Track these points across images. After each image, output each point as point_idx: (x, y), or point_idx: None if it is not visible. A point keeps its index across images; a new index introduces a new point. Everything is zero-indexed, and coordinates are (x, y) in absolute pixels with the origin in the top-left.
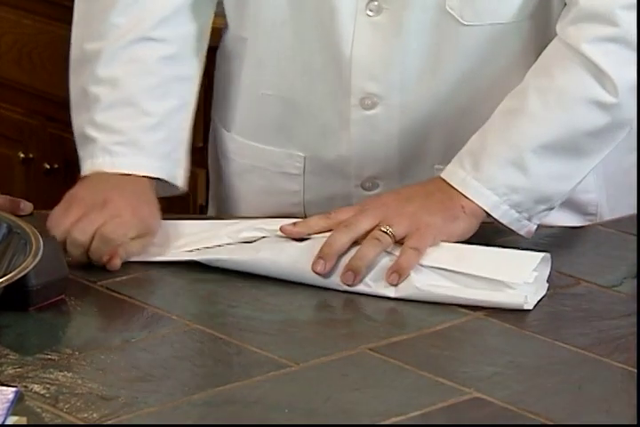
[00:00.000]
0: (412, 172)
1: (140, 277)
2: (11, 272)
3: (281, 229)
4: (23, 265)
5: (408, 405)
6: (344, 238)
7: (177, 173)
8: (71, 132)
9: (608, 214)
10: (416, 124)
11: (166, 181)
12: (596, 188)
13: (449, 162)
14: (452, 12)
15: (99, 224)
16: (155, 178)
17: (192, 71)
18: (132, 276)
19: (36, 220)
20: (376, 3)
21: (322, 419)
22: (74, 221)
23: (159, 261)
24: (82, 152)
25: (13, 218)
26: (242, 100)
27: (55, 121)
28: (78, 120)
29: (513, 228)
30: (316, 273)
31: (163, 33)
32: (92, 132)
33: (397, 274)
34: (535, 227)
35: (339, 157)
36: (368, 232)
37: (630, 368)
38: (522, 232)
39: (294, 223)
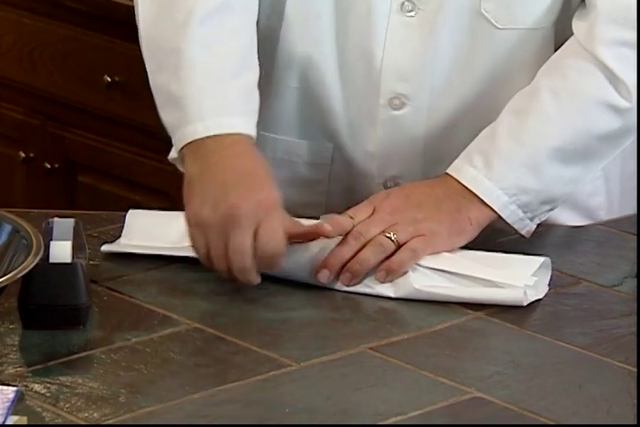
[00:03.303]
0: (434, 174)
1: (140, 276)
2: (11, 272)
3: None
4: (23, 265)
5: (408, 404)
6: (351, 251)
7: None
8: (71, 132)
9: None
10: (442, 126)
11: None
12: (605, 191)
13: None
14: (486, 15)
15: (250, 241)
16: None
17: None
18: (132, 275)
19: (37, 220)
20: (410, 3)
21: (322, 418)
22: (218, 253)
23: (161, 254)
24: (169, 117)
25: (14, 218)
26: (267, 94)
27: (56, 120)
28: (163, 79)
29: (516, 226)
30: (319, 280)
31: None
32: (181, 93)
33: (385, 272)
34: (534, 227)
35: (364, 154)
36: None
37: (630, 368)
38: (522, 231)
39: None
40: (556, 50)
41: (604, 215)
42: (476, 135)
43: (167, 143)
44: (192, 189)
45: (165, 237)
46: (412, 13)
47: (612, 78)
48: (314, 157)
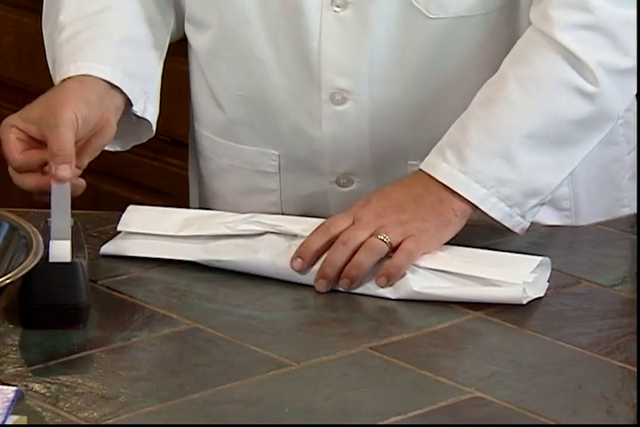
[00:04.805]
0: (385, 167)
1: (139, 276)
2: (10, 272)
3: (293, 268)
4: (23, 264)
5: (408, 404)
6: (343, 257)
7: (145, 104)
8: None
9: (585, 209)
10: (386, 118)
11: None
12: (567, 181)
13: (422, 157)
14: (417, 6)
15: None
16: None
17: (163, 19)
18: (132, 275)
19: (36, 219)
20: None
21: (322, 418)
22: None
23: (159, 257)
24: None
25: (14, 217)
26: (214, 100)
27: None
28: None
29: (507, 224)
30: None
31: None
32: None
33: (386, 278)
34: (528, 224)
35: (312, 154)
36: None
37: (630, 368)
38: (516, 230)
39: (297, 255)
40: (511, 34)
41: (567, 204)
42: (421, 126)
43: (168, 143)
44: None
45: (163, 225)
46: (344, 7)
47: (575, 62)
48: (262, 164)
